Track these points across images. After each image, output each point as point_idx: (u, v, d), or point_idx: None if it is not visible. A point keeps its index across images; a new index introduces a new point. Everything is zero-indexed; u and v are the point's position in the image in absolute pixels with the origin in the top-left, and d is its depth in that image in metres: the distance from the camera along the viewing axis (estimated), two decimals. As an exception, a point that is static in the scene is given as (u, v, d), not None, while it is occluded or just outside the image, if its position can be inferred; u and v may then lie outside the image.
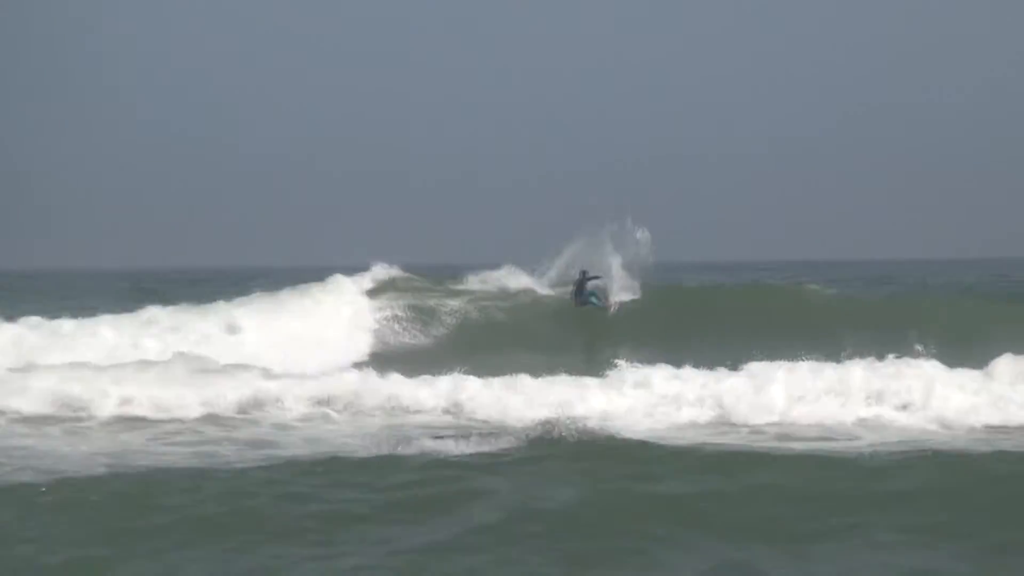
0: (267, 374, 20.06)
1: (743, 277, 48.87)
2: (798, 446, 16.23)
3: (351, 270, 28.43)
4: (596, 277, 26.90)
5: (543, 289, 28.08)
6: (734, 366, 19.81)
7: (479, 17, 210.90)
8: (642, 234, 27.30)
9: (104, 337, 24.49)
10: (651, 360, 20.67)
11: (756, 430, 17.82)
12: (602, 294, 27.00)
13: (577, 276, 27.15)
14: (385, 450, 14.93)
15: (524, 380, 19.57)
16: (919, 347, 20.47)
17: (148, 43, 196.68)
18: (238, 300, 26.95)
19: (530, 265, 28.45)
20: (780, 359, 19.78)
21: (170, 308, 26.32)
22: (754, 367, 19.61)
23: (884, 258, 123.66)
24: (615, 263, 27.22)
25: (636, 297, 27.07)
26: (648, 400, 19.06)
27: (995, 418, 18.39)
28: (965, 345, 21.26)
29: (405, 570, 10.28)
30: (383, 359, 24.95)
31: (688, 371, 19.70)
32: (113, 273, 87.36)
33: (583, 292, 26.83)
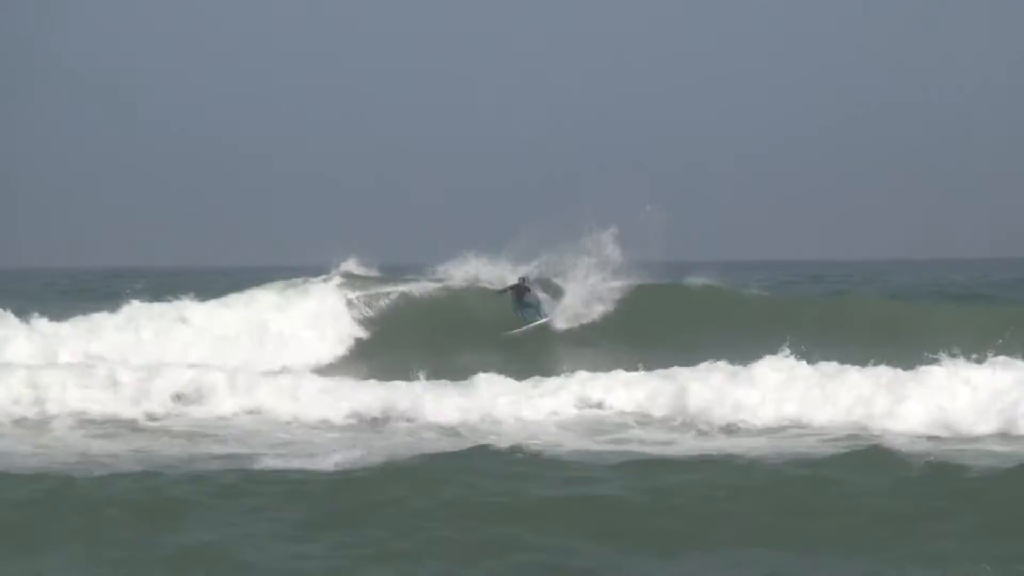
0: (200, 370, 20.27)
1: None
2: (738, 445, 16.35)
3: (314, 271, 28.71)
4: (528, 289, 25.54)
5: (495, 278, 27.20)
6: (663, 367, 19.63)
7: (479, 16, 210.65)
8: (652, 212, 24.23)
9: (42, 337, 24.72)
10: (582, 362, 20.94)
11: (700, 433, 17.71)
12: (540, 309, 25.60)
13: (516, 281, 25.87)
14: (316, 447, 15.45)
15: (448, 383, 19.47)
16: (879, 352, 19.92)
17: (148, 42, 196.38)
18: (183, 302, 26.74)
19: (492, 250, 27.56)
20: (712, 360, 19.52)
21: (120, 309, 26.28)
22: (685, 369, 19.36)
23: (886, 258, 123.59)
24: (605, 239, 25.30)
25: (640, 282, 25.27)
26: (577, 403, 19.01)
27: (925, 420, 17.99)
28: (890, 347, 21.23)
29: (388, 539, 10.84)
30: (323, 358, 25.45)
31: (622, 374, 19.61)
32: (48, 271, 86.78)
33: (522, 302, 25.54)
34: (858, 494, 12.25)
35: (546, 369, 20.87)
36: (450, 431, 17.56)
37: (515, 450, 14.56)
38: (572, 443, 16.21)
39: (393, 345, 25.16)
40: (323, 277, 28.13)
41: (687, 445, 16.45)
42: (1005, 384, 17.91)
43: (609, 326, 25.74)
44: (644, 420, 18.39)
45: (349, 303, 27.25)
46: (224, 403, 19.17)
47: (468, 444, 15.58)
